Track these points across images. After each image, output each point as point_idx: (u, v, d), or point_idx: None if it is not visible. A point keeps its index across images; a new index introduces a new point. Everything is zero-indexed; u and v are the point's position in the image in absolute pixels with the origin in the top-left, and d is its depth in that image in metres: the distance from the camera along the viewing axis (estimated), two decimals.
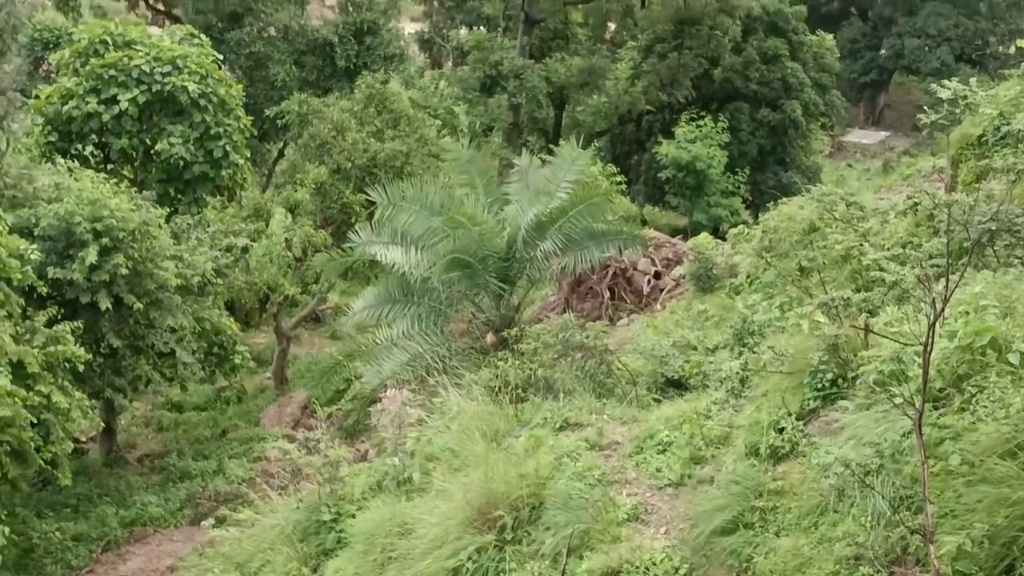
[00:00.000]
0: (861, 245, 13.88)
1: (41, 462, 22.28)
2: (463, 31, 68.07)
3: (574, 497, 10.45)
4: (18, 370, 21.86)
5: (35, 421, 21.82)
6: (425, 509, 11.55)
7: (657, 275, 26.52)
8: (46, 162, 27.89)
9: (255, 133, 35.17)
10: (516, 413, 13.28)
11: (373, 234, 20.10)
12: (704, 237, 26.72)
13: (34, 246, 23.70)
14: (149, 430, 29.71)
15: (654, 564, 9.54)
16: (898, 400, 8.09)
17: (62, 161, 27.40)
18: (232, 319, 28.32)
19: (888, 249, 12.38)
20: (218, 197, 32.12)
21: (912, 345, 8.25)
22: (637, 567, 9.56)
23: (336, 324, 34.15)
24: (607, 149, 53.46)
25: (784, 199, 18.17)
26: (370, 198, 21.56)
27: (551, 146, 43.26)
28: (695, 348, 17.67)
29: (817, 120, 55.58)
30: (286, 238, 30.45)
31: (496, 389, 14.31)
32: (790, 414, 10.01)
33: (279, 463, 24.57)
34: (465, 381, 14.92)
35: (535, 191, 19.34)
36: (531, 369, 14.81)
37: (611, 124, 53.61)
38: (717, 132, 47.61)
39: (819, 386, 10.00)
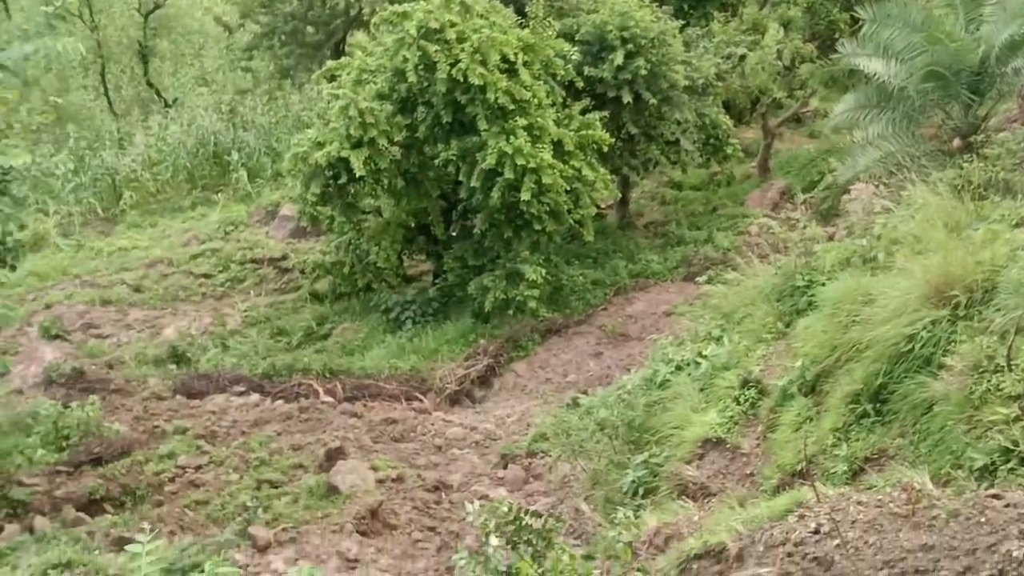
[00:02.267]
0: None
1: (571, 221, 23.31)
2: None
3: None
4: (558, 148, 22.79)
5: (568, 189, 22.78)
6: (887, 284, 11.13)
7: None
8: None
9: None
10: (976, 209, 12.43)
11: (858, 47, 19.13)
12: None
13: (575, 48, 24.34)
14: (654, 203, 30.23)
15: None
16: None
17: None
18: (727, 116, 28.05)
19: None
20: (723, 13, 31.51)
21: None
22: None
23: (815, 125, 33.06)
24: None
25: None
26: (856, 15, 20.45)
27: None
28: None
29: None
30: (778, 49, 29.51)
31: (959, 187, 13.43)
32: None
33: (760, 237, 24.43)
34: (931, 179, 14.09)
35: (1011, 13, 17.65)
36: (993, 171, 13.79)
37: None
38: None
39: None
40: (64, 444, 18.13)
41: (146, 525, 6.25)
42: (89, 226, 30.94)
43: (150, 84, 38.82)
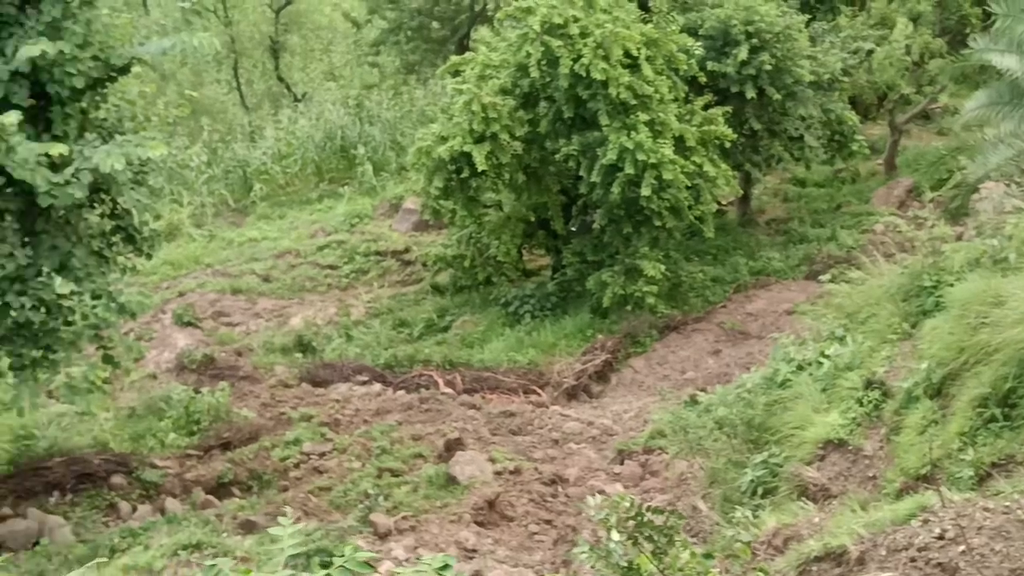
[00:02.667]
0: None
1: (691, 217, 23.12)
2: None
3: None
4: (679, 143, 22.63)
5: (689, 185, 22.60)
6: (1018, 285, 10.84)
7: None
8: None
9: None
10: None
11: (990, 43, 18.57)
12: None
13: (698, 43, 24.14)
14: (776, 200, 29.79)
15: None
16: None
17: None
18: (853, 112, 27.49)
19: None
20: (850, 7, 30.87)
21: None
22: None
23: (944, 121, 32.15)
24: None
25: None
26: (988, 10, 19.84)
27: None
28: None
29: None
30: (906, 44, 28.80)
31: None
32: None
33: (885, 235, 23.96)
34: None
35: None
36: None
37: None
38: None
39: None
40: (195, 428, 18.73)
41: (288, 509, 6.44)
42: (221, 217, 31.77)
43: (280, 79, 39.70)
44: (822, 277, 17.14)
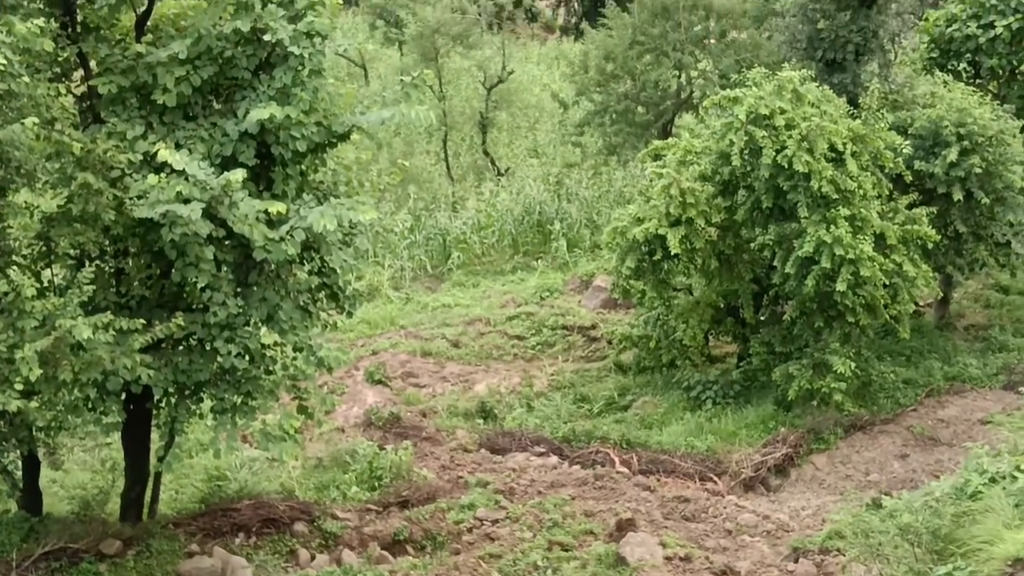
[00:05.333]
0: None
1: (887, 316, 22.46)
2: None
3: None
4: (880, 240, 22.10)
5: (886, 283, 22.00)
6: None
7: None
8: (926, 74, 27.41)
9: None
10: None
11: None
12: None
13: (907, 142, 23.61)
14: (977, 305, 28.62)
15: None
16: None
17: (939, 74, 26.82)
18: None
19: None
20: None
21: None
22: None
23: None
24: None
25: None
26: None
27: None
28: None
29: None
30: None
31: None
32: None
33: None
34: None
35: None
36: None
37: None
38: None
39: None
40: (376, 484, 19.15)
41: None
42: (418, 281, 32.59)
43: (486, 153, 40.65)
44: (1022, 388, 16.36)
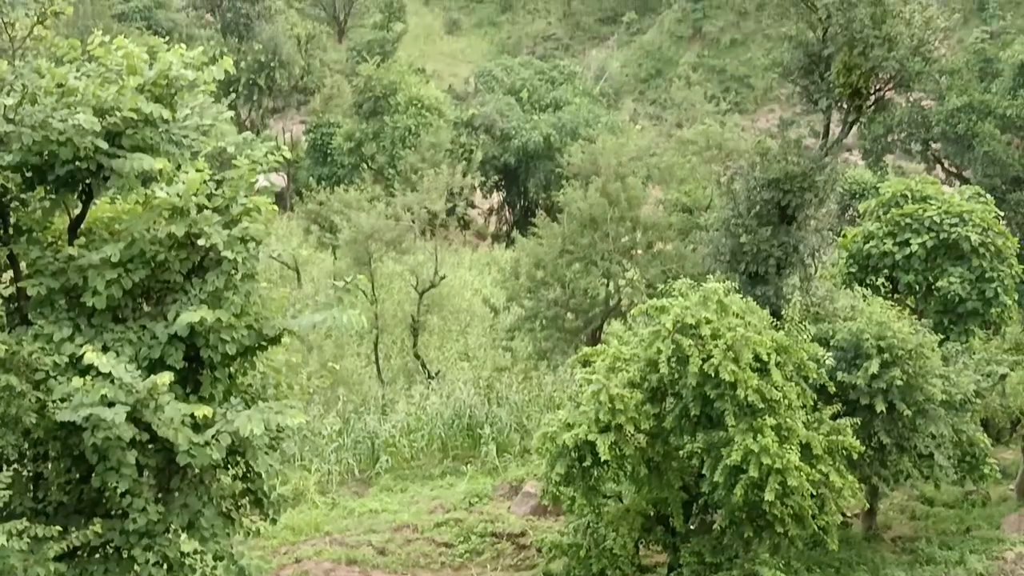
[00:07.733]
0: None
1: (815, 526, 22.36)
2: None
3: None
4: (806, 450, 22.21)
5: (814, 493, 22.00)
6: None
7: None
8: (846, 288, 28.30)
9: None
10: None
11: None
12: None
13: (829, 353, 24.08)
14: (903, 516, 28.74)
15: None
16: None
17: (858, 288, 27.71)
18: (985, 434, 26.77)
19: None
20: (985, 331, 30.66)
21: None
22: None
23: None
24: None
25: None
26: None
27: None
28: None
29: None
30: None
31: None
32: None
33: (1016, 564, 22.74)
34: None
35: None
36: None
37: None
38: None
39: None
40: None
41: None
42: (345, 485, 32.02)
43: (417, 356, 40.72)
44: None
